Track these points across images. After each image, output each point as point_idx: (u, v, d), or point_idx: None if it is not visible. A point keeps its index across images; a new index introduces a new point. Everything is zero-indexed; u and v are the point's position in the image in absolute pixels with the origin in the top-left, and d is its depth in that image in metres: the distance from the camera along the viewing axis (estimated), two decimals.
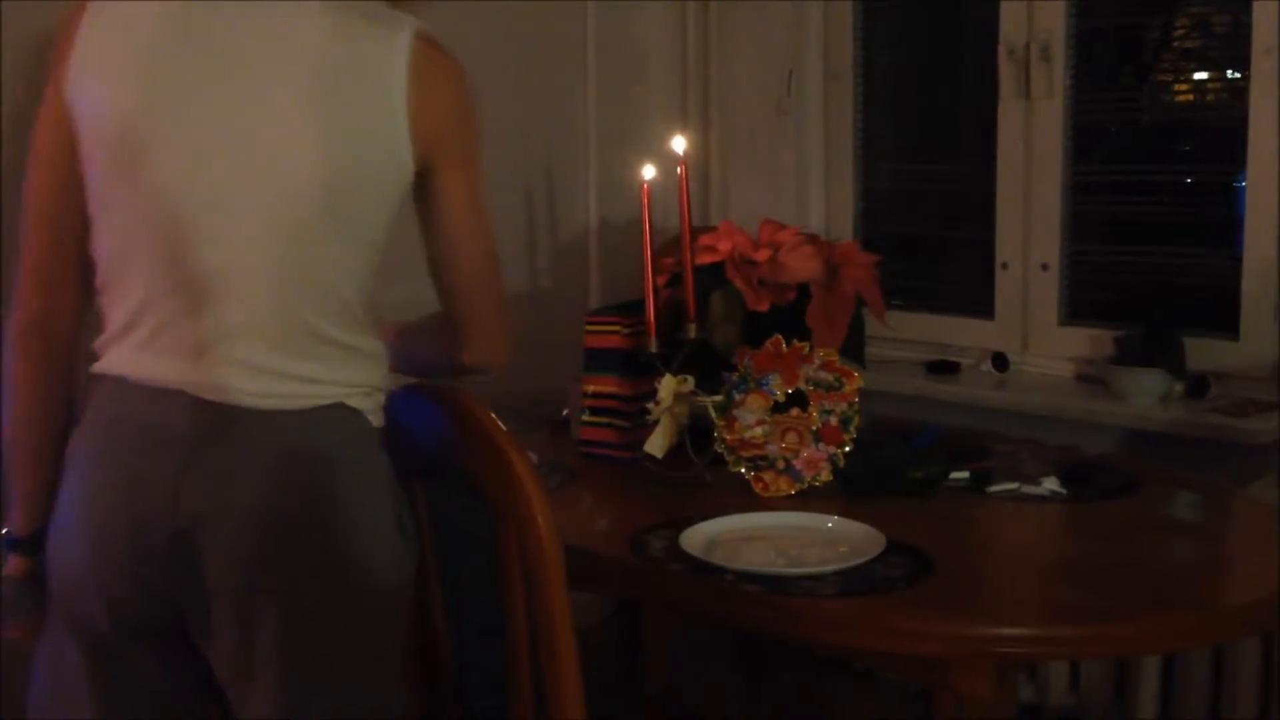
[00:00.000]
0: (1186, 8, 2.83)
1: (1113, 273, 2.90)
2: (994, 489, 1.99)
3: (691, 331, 2.07)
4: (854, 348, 2.21)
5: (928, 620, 1.54)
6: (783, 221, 2.37)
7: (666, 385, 2.04)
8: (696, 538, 1.75)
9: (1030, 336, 2.93)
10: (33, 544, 1.50)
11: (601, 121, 3.24)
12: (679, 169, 2.13)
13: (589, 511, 2.03)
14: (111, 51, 1.40)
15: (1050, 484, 1.99)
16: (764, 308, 2.19)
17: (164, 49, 1.40)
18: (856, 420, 1.97)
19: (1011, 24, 2.87)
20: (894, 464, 1.98)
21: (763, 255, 2.24)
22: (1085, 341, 2.84)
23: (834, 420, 1.97)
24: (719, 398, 2.01)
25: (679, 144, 2.15)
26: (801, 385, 1.99)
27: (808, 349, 2.00)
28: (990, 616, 1.62)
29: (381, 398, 1.50)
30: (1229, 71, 2.74)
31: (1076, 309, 2.90)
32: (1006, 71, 2.88)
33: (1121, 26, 2.87)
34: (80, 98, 1.41)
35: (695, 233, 2.19)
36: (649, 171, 2.13)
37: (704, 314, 2.17)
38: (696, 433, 2.04)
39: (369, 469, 1.46)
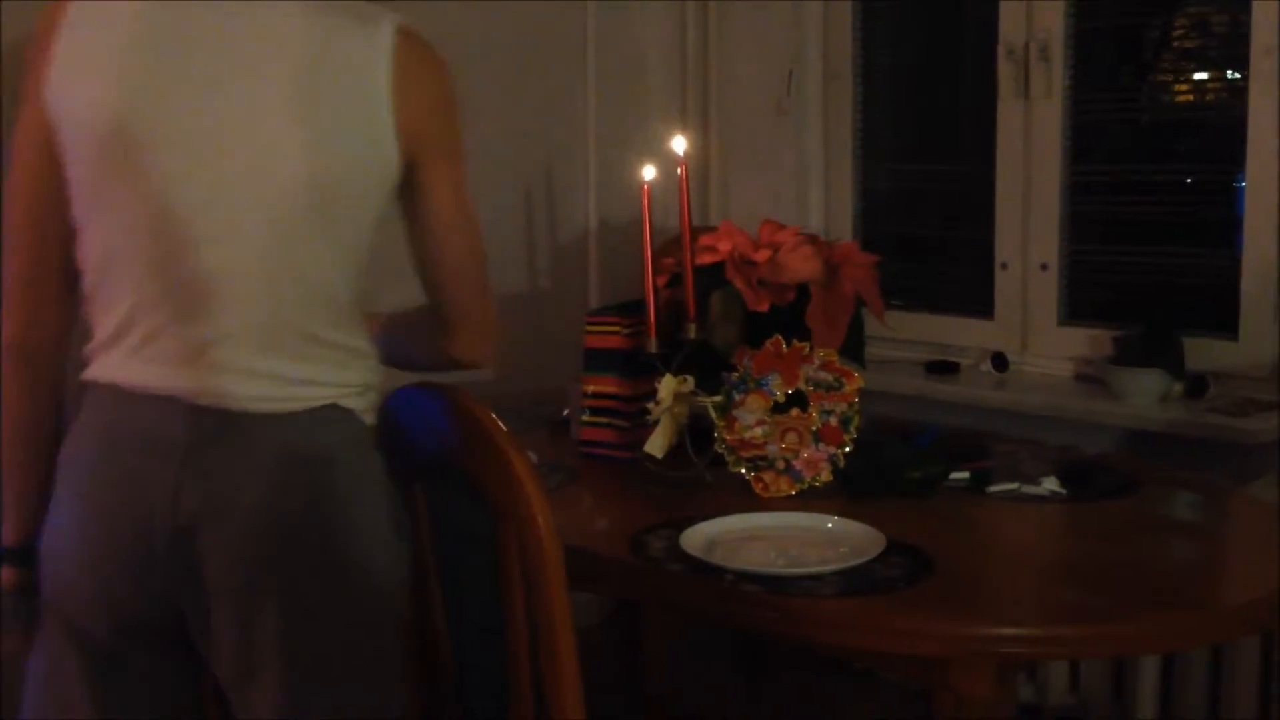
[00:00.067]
0: (1186, 8, 2.83)
1: (1112, 273, 2.90)
2: (994, 489, 2.00)
3: (691, 332, 2.08)
4: (854, 348, 2.21)
5: (927, 620, 1.55)
6: (782, 221, 2.37)
7: (666, 385, 2.04)
8: (696, 538, 1.75)
9: (1030, 336, 2.93)
10: (24, 555, 1.48)
11: (601, 121, 3.24)
12: (679, 169, 2.13)
13: (589, 511, 2.04)
14: (92, 52, 1.39)
15: (1050, 484, 1.99)
16: (764, 308, 2.19)
17: (145, 49, 1.38)
18: (856, 420, 1.97)
19: (1011, 24, 2.87)
20: (894, 464, 1.98)
21: (762, 255, 2.24)
22: (1084, 341, 2.84)
23: (834, 420, 1.97)
24: (719, 398, 2.01)
25: (679, 144, 2.15)
26: (801, 385, 1.99)
27: (808, 349, 2.00)
28: (990, 616, 1.62)
29: (374, 396, 1.50)
30: (1228, 71, 2.74)
31: (1076, 309, 2.90)
32: (1006, 71, 2.89)
33: (1121, 26, 2.87)
34: (61, 99, 1.39)
35: (695, 233, 2.19)
36: (649, 171, 2.14)
37: (704, 314, 2.17)
38: (696, 433, 2.04)
39: (366, 469, 1.46)
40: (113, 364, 1.42)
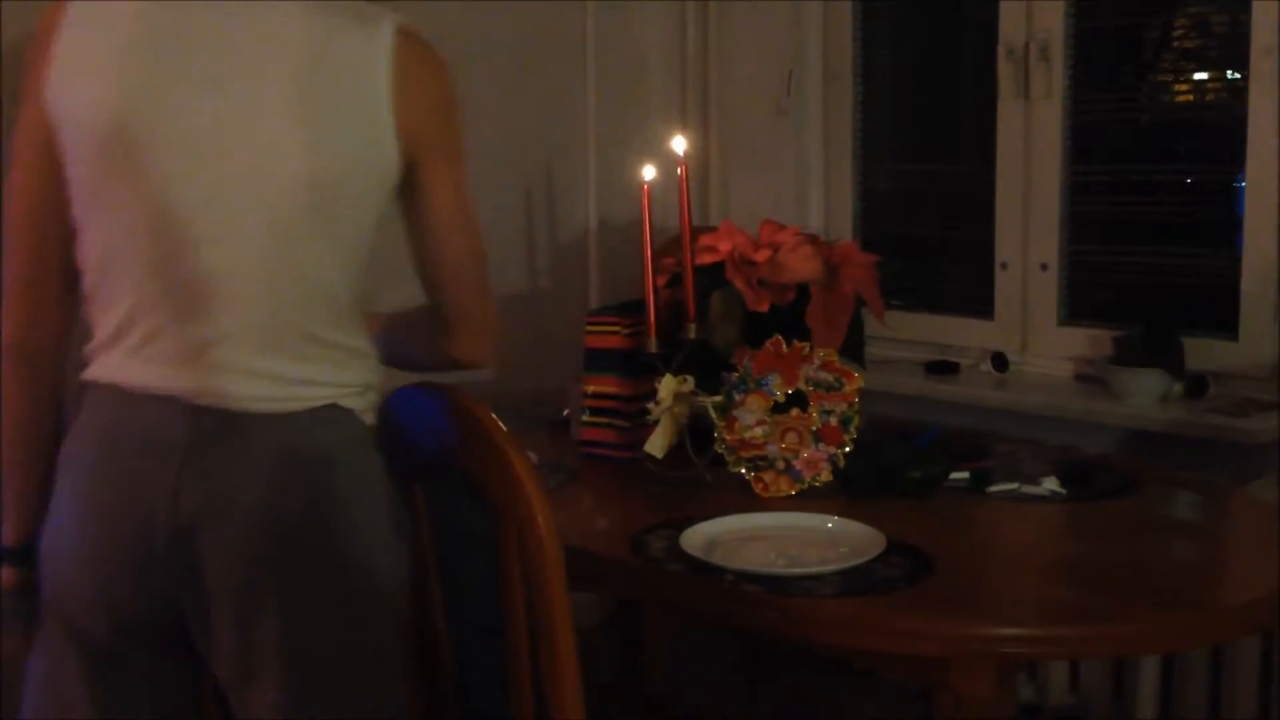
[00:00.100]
0: (1186, 8, 2.83)
1: (1112, 273, 2.90)
2: (994, 489, 2.00)
3: (691, 332, 2.08)
4: (854, 348, 2.21)
5: (928, 620, 1.55)
6: (782, 221, 2.37)
7: (666, 385, 2.04)
8: (696, 538, 1.75)
9: (1030, 336, 2.94)
10: (24, 555, 1.48)
11: (601, 121, 3.24)
12: (679, 169, 2.13)
13: (589, 512, 2.04)
14: (91, 52, 1.39)
15: (1050, 484, 1.99)
16: (764, 308, 2.19)
17: (145, 49, 1.38)
18: (856, 420, 1.97)
19: (1011, 24, 2.87)
20: (894, 464, 1.98)
21: (762, 255, 2.24)
22: (1084, 341, 2.84)
23: (834, 420, 1.97)
24: (719, 398, 2.01)
25: (679, 144, 2.15)
26: (801, 385, 1.99)
27: (808, 349, 2.00)
28: (990, 616, 1.62)
29: (374, 396, 1.50)
30: (1228, 71, 2.74)
31: (1076, 309, 2.90)
32: (1006, 71, 2.89)
33: (1121, 26, 2.87)
34: (60, 99, 1.39)
35: (695, 233, 2.19)
36: (649, 172, 2.14)
37: (704, 314, 2.17)
38: (696, 433, 2.04)
39: (366, 469, 1.46)
40: (113, 364, 1.42)
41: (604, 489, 2.09)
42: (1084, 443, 2.46)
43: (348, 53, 1.41)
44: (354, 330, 1.48)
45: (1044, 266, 2.90)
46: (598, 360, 2.20)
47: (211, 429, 1.38)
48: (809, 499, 1.94)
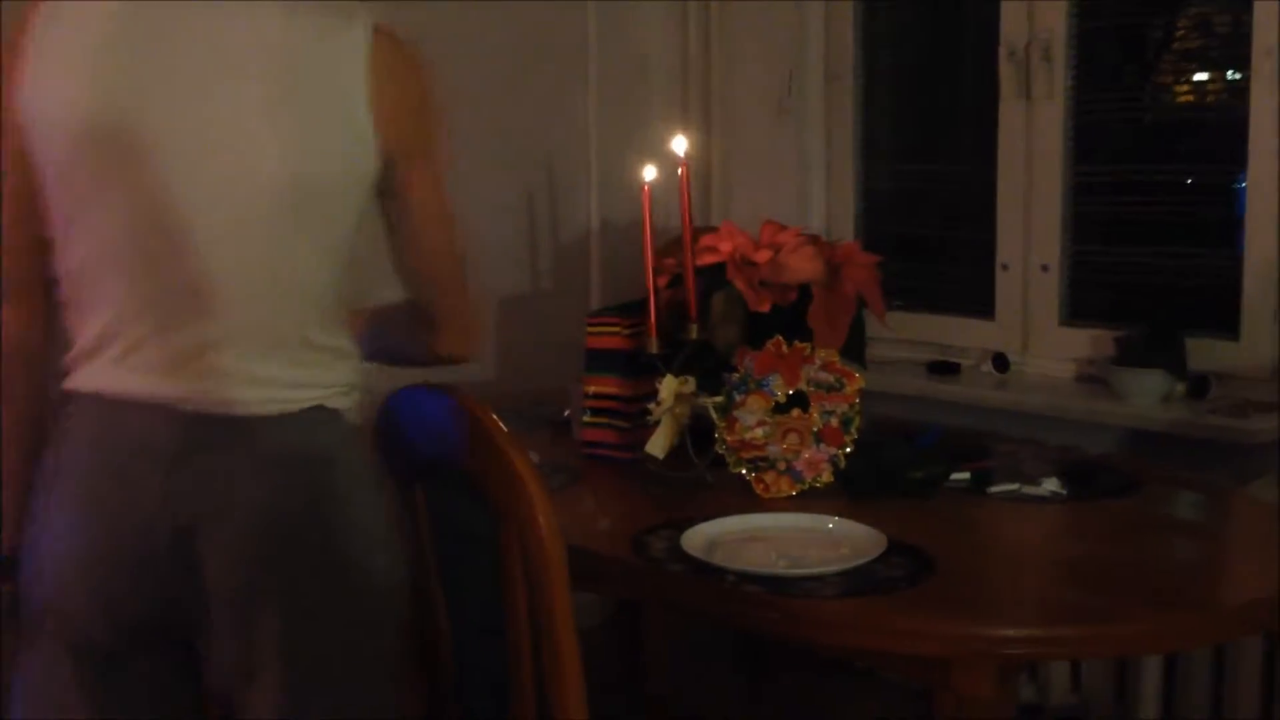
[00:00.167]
0: (1187, 8, 2.83)
1: (1113, 273, 2.90)
2: (995, 489, 2.00)
3: (693, 332, 2.08)
4: (855, 348, 2.21)
5: (929, 621, 1.55)
6: (784, 222, 2.37)
7: (667, 386, 2.04)
8: (698, 538, 1.75)
9: (1031, 337, 2.93)
10: (8, 565, 1.46)
11: (602, 122, 3.24)
12: (680, 169, 2.13)
13: (590, 512, 2.04)
14: (65, 52, 1.37)
15: (1051, 484, 1.99)
16: (765, 308, 2.19)
17: (119, 49, 1.36)
18: (857, 421, 1.98)
19: (1012, 24, 2.87)
20: (895, 465, 1.98)
21: (764, 256, 2.24)
22: (1086, 342, 2.84)
23: (835, 421, 1.97)
24: (720, 398, 2.01)
25: (680, 144, 2.15)
26: (802, 386, 1.99)
27: (809, 350, 2.00)
28: (991, 617, 1.62)
29: (359, 396, 1.49)
30: (1230, 72, 2.74)
31: (1077, 309, 2.90)
32: (1007, 72, 2.88)
33: (1122, 27, 2.87)
34: (33, 100, 1.37)
35: (696, 233, 2.19)
36: (650, 172, 2.14)
37: (705, 315, 2.17)
38: (697, 433, 2.04)
39: (362, 469, 1.46)
40: (96, 373, 1.40)
41: (605, 489, 2.10)
42: (1085, 443, 2.46)
43: (324, 52, 1.40)
44: (338, 330, 1.47)
45: (1045, 267, 2.89)
46: (599, 361, 2.20)
47: (202, 434, 1.37)
48: (810, 499, 1.94)
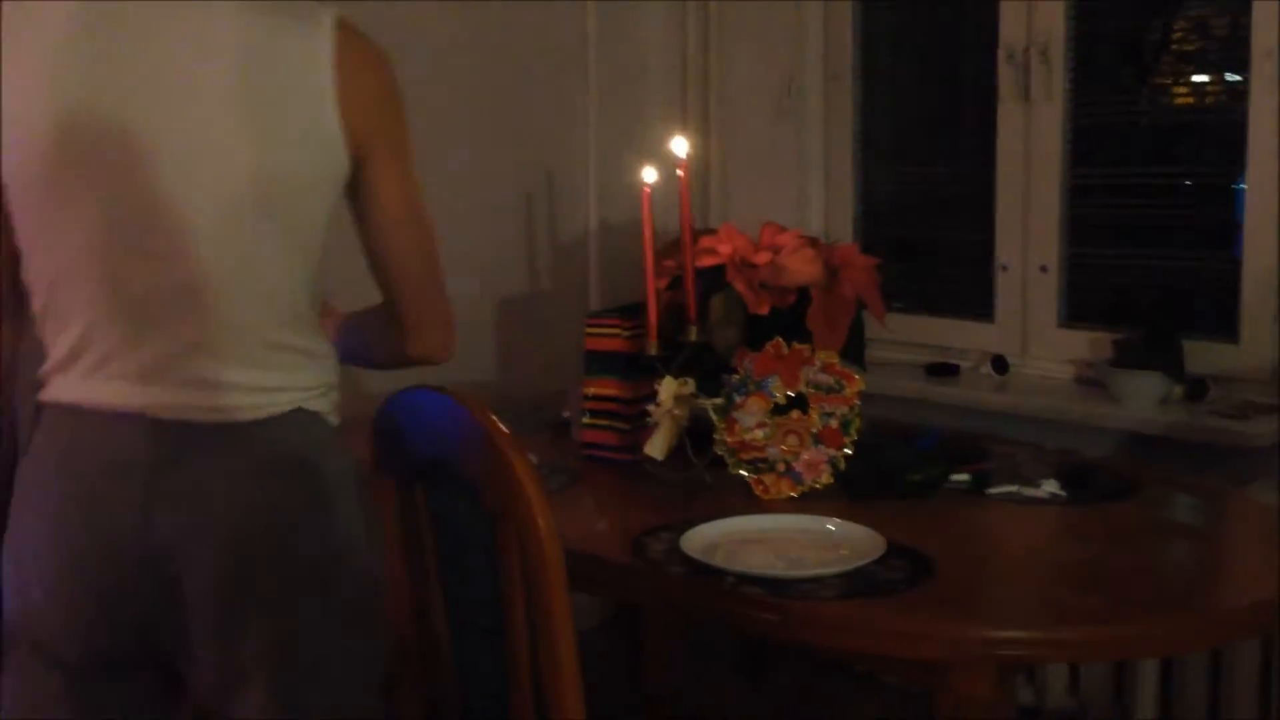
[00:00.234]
0: (1186, 10, 2.83)
1: (1112, 275, 2.90)
2: (994, 491, 2.00)
3: (692, 334, 2.08)
4: (854, 350, 2.21)
5: (928, 623, 1.55)
6: (783, 224, 2.38)
7: (667, 387, 2.04)
8: (697, 540, 1.75)
9: (1029, 339, 2.94)
10: None
11: (602, 123, 3.24)
12: (679, 171, 2.13)
13: (590, 514, 2.04)
14: (25, 53, 1.34)
15: (1050, 486, 2.00)
16: (764, 310, 2.20)
17: (81, 51, 1.34)
18: (857, 423, 1.98)
19: (1011, 26, 2.88)
20: (894, 466, 1.99)
21: (763, 258, 2.24)
22: (1084, 344, 2.84)
23: (834, 423, 1.97)
24: (719, 400, 2.01)
25: (679, 146, 2.15)
26: (802, 388, 1.99)
27: (808, 351, 2.00)
28: (990, 619, 1.62)
29: (336, 396, 1.48)
30: (1228, 74, 2.74)
31: (1076, 311, 2.90)
32: (1006, 74, 2.89)
33: (1121, 29, 2.87)
34: None
35: (696, 235, 2.19)
36: (649, 174, 2.14)
37: (704, 316, 2.17)
38: (697, 435, 2.05)
39: (343, 471, 1.45)
40: (70, 385, 1.38)
41: (604, 491, 2.10)
42: (1084, 445, 2.46)
43: (289, 50, 1.38)
44: (313, 332, 1.46)
45: (1044, 269, 2.90)
46: (598, 362, 2.20)
47: (178, 444, 1.35)
48: (809, 501, 1.95)
